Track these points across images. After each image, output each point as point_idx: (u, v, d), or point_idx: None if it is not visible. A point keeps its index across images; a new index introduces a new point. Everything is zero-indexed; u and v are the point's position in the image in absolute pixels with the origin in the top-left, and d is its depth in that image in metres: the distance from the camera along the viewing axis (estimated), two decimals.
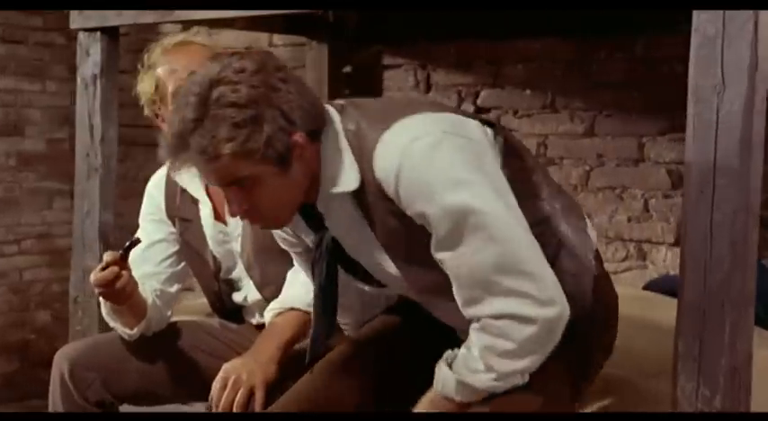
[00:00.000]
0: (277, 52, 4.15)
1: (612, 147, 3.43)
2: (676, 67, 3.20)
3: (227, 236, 2.52)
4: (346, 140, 1.77)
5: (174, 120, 1.72)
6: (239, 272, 2.55)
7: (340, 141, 1.78)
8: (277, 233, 2.05)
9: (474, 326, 1.77)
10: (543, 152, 3.56)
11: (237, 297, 2.59)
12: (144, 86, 2.44)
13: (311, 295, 2.18)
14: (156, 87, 2.41)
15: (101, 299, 2.39)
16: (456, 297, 1.76)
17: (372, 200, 1.76)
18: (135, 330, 2.45)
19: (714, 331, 1.85)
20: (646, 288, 2.92)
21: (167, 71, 2.40)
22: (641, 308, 2.61)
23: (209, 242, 2.53)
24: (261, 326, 2.53)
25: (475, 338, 1.76)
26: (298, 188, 1.78)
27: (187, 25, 4.34)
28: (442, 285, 1.78)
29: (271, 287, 2.45)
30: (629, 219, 3.38)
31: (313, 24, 3.88)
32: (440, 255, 1.74)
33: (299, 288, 2.32)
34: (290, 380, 2.16)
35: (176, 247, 2.57)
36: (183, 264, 2.59)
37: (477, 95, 3.72)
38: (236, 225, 2.48)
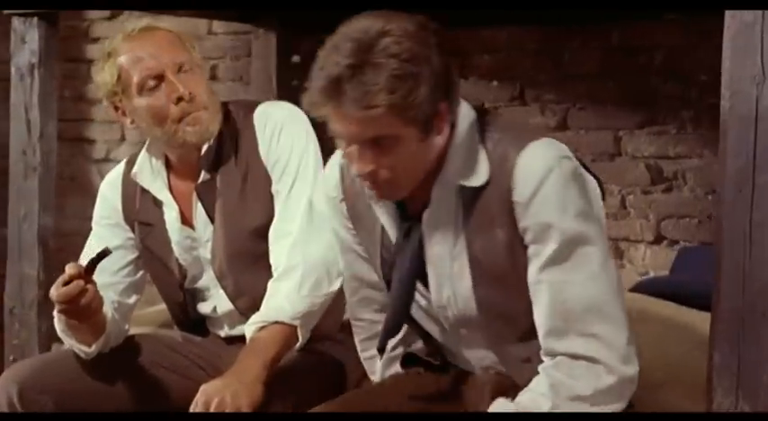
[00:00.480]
0: (218, 41, 4.01)
1: (587, 142, 3.32)
2: (656, 57, 3.15)
3: (195, 241, 2.34)
4: (482, 140, 1.77)
5: (327, 64, 1.68)
6: (207, 280, 2.37)
7: (476, 138, 1.78)
8: (340, 221, 1.98)
9: (547, 363, 1.74)
10: None
11: (204, 307, 2.41)
12: (104, 76, 2.25)
13: (296, 308, 2.12)
14: (119, 77, 2.23)
15: (56, 314, 2.18)
16: (539, 324, 1.75)
17: (484, 204, 1.76)
18: (93, 348, 2.25)
19: (754, 342, 1.75)
20: (633, 290, 2.78)
21: (132, 60, 2.22)
22: (636, 312, 2.45)
23: (175, 248, 2.35)
24: (230, 340, 2.38)
25: (545, 376, 1.73)
26: (428, 161, 1.75)
27: (116, 11, 4.24)
28: (507, 311, 1.79)
29: (245, 298, 2.29)
30: (606, 216, 3.23)
31: (260, 10, 3.68)
32: (542, 275, 1.73)
33: (281, 300, 2.16)
34: (276, 401, 2.02)
35: (135, 254, 2.40)
36: (141, 272, 2.42)
37: None
38: (204, 229, 2.32)
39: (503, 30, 3.40)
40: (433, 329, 1.95)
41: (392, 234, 1.88)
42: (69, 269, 2.05)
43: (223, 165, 2.27)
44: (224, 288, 2.31)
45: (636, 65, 3.22)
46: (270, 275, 2.22)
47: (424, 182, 1.78)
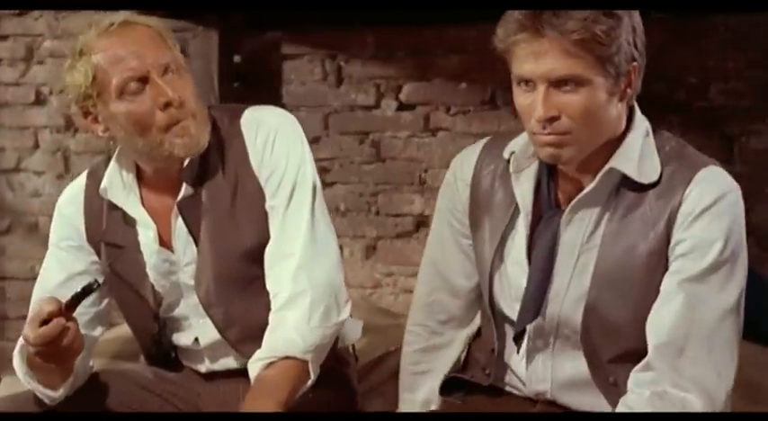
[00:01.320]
0: None
1: None
2: None
3: (174, 265, 2.06)
4: (655, 144, 1.77)
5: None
6: (186, 308, 2.10)
7: (651, 138, 1.78)
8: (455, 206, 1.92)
9: (646, 393, 1.70)
10: None
11: (182, 339, 2.13)
12: (75, 77, 1.95)
13: (308, 341, 1.93)
14: (94, 79, 1.93)
15: (19, 354, 1.91)
16: (656, 334, 1.71)
17: (642, 204, 1.74)
18: (60, 391, 1.95)
19: None
20: None
21: (110, 59, 1.93)
22: None
23: (150, 273, 2.06)
24: (210, 375, 2.12)
25: (647, 403, 1.68)
26: (608, 127, 1.74)
27: (24, 10, 3.89)
28: (614, 323, 1.75)
29: (236, 328, 2.05)
30: None
31: (199, 7, 3.42)
32: (682, 287, 1.71)
33: (290, 332, 1.93)
34: None
35: (100, 281, 2.06)
36: (106, 300, 2.12)
37: (399, 90, 3.46)
38: (184, 251, 2.04)
39: (472, 28, 3.25)
40: (508, 330, 1.87)
41: (526, 216, 1.82)
42: (47, 305, 1.76)
43: (209, 178, 2.01)
44: (211, 317, 2.06)
45: None
46: (262, 302, 2.00)
47: (588, 165, 1.75)
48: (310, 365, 1.92)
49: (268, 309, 1.99)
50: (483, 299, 1.89)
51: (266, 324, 1.96)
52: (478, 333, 1.97)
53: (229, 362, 2.08)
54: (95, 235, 2.08)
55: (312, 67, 3.51)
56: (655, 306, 1.72)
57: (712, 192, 1.71)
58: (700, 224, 1.71)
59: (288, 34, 3.55)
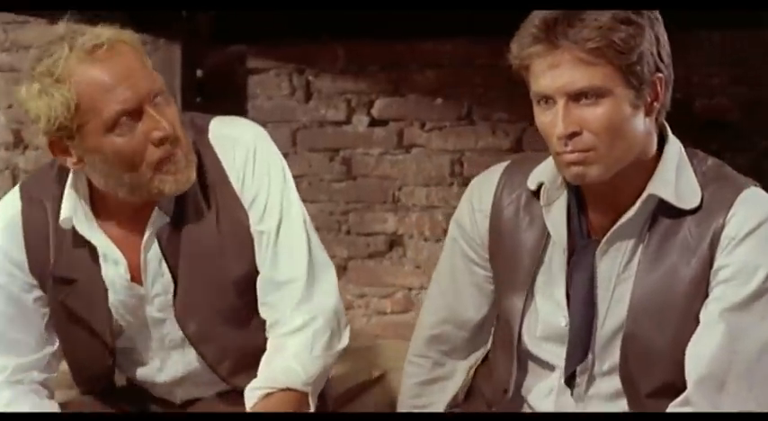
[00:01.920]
0: None
1: None
2: None
3: (141, 299, 1.90)
4: (691, 166, 1.72)
5: (538, 14, 1.62)
6: (150, 342, 1.95)
7: (686, 162, 1.72)
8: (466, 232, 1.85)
9: None
10: (459, 171, 3.27)
11: (145, 373, 1.98)
12: (50, 105, 1.72)
13: (309, 371, 1.82)
14: (76, 109, 1.71)
15: None
16: (694, 367, 1.66)
17: (681, 231, 1.68)
18: None
19: None
20: None
21: (97, 89, 1.71)
22: None
23: (113, 308, 1.90)
24: (184, 404, 2.00)
25: None
26: (636, 142, 1.66)
27: None
28: (652, 355, 1.70)
29: (228, 362, 1.92)
30: None
31: (162, 19, 3.33)
32: (723, 316, 1.65)
33: (290, 361, 1.81)
34: None
35: (47, 316, 1.93)
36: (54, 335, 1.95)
37: (371, 105, 3.37)
38: (152, 283, 1.88)
39: (447, 42, 3.19)
40: (532, 369, 1.80)
41: (563, 250, 1.74)
42: None
43: (187, 204, 1.85)
44: (202, 353, 1.92)
45: None
46: (253, 331, 1.89)
47: (618, 191, 1.69)
48: (310, 397, 1.82)
49: (260, 338, 1.88)
50: (500, 334, 1.81)
51: (259, 353, 1.85)
52: (482, 361, 1.91)
53: (198, 392, 1.97)
54: (40, 265, 1.88)
55: (279, 81, 3.41)
56: (694, 336, 1.66)
57: (757, 214, 1.66)
58: (743, 248, 1.65)
59: (254, 47, 3.45)
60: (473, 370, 1.94)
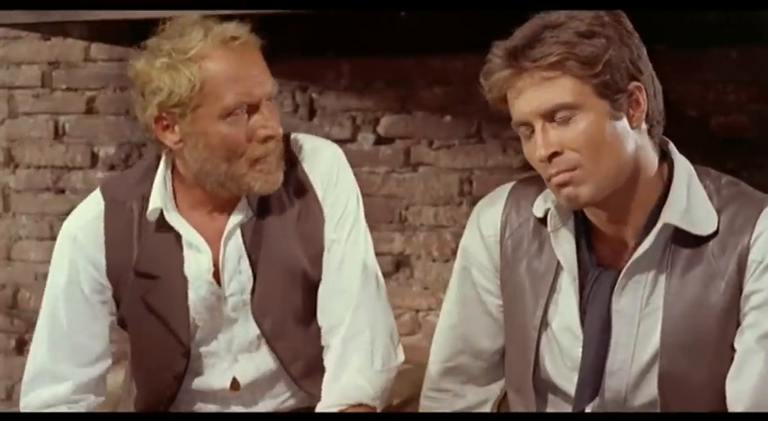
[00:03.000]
0: (97, 69, 3.57)
1: None
2: None
3: (219, 299, 1.94)
4: (703, 188, 1.67)
5: (504, 42, 1.62)
6: (218, 345, 1.97)
7: (697, 184, 1.66)
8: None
9: None
10: (468, 190, 3.21)
11: (214, 381, 1.98)
12: (176, 80, 1.79)
13: (376, 386, 1.88)
14: (200, 90, 1.79)
15: None
16: (736, 399, 1.62)
17: (703, 258, 1.63)
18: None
19: None
20: None
21: (228, 76, 1.80)
22: None
23: (192, 306, 1.93)
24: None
25: None
26: (625, 156, 1.61)
27: None
28: (691, 389, 1.65)
29: (300, 362, 1.96)
30: None
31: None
32: (761, 344, 1.61)
33: (356, 376, 1.88)
34: None
35: (111, 324, 2.00)
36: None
37: (377, 122, 3.32)
38: (230, 280, 1.92)
39: (457, 58, 3.12)
40: (558, 405, 1.75)
41: (573, 279, 1.69)
42: None
43: (272, 201, 1.92)
44: (277, 351, 1.95)
45: None
46: (317, 335, 1.94)
47: (625, 218, 1.65)
48: (378, 411, 1.90)
49: (320, 342, 1.94)
50: (515, 369, 1.76)
51: (320, 358, 1.93)
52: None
53: (265, 406, 1.98)
54: (119, 266, 1.93)
55: (282, 98, 3.34)
56: (733, 367, 1.63)
57: None
58: None
59: None
60: (497, 407, 1.89)
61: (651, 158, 1.65)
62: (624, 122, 1.60)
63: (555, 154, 1.58)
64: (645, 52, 1.64)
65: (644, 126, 1.64)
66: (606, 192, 1.61)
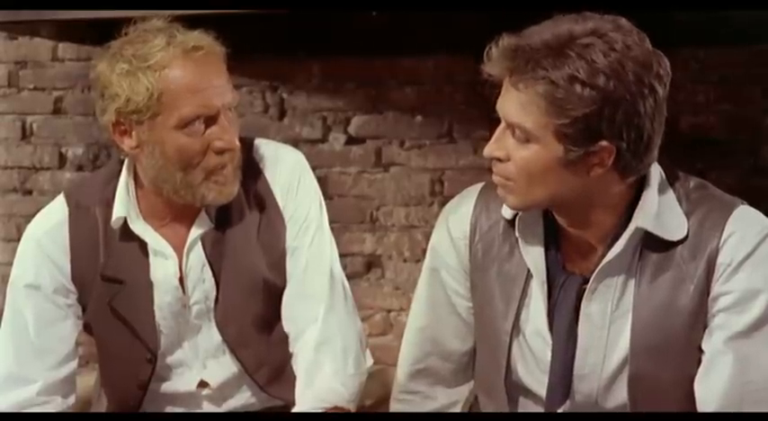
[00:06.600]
0: (65, 69, 3.55)
1: None
2: None
3: (184, 306, 1.95)
4: (673, 190, 1.66)
5: (532, 30, 1.56)
6: (184, 351, 1.99)
7: (669, 190, 1.66)
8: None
9: None
10: (440, 190, 3.22)
11: (178, 384, 2.00)
12: (133, 87, 1.78)
13: (350, 389, 1.89)
14: (158, 98, 1.78)
15: None
16: (706, 400, 1.63)
17: (673, 263, 1.63)
18: None
19: None
20: None
21: (186, 86, 1.78)
22: None
23: (158, 312, 1.94)
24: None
25: None
26: (571, 195, 1.60)
27: None
28: (660, 391, 1.65)
29: (265, 368, 1.98)
30: None
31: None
32: (730, 346, 1.61)
33: (330, 380, 1.89)
34: None
35: (78, 327, 1.98)
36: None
37: (348, 122, 3.32)
38: (194, 288, 1.94)
39: (428, 59, 3.15)
40: (530, 409, 1.75)
41: (541, 284, 1.68)
42: None
43: (232, 211, 1.92)
44: (241, 359, 1.97)
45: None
46: (281, 342, 1.95)
47: (594, 225, 1.64)
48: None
49: (286, 349, 1.95)
50: (486, 371, 1.75)
51: (287, 364, 1.94)
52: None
53: (235, 401, 1.99)
54: (84, 271, 1.92)
55: (252, 98, 3.34)
56: (702, 368, 1.64)
57: (750, 236, 1.62)
58: (742, 275, 1.61)
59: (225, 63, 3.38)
60: (468, 409, 1.88)
61: (610, 188, 1.61)
62: (578, 168, 1.57)
63: (498, 159, 1.59)
64: (656, 110, 1.56)
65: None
66: (534, 208, 1.63)
